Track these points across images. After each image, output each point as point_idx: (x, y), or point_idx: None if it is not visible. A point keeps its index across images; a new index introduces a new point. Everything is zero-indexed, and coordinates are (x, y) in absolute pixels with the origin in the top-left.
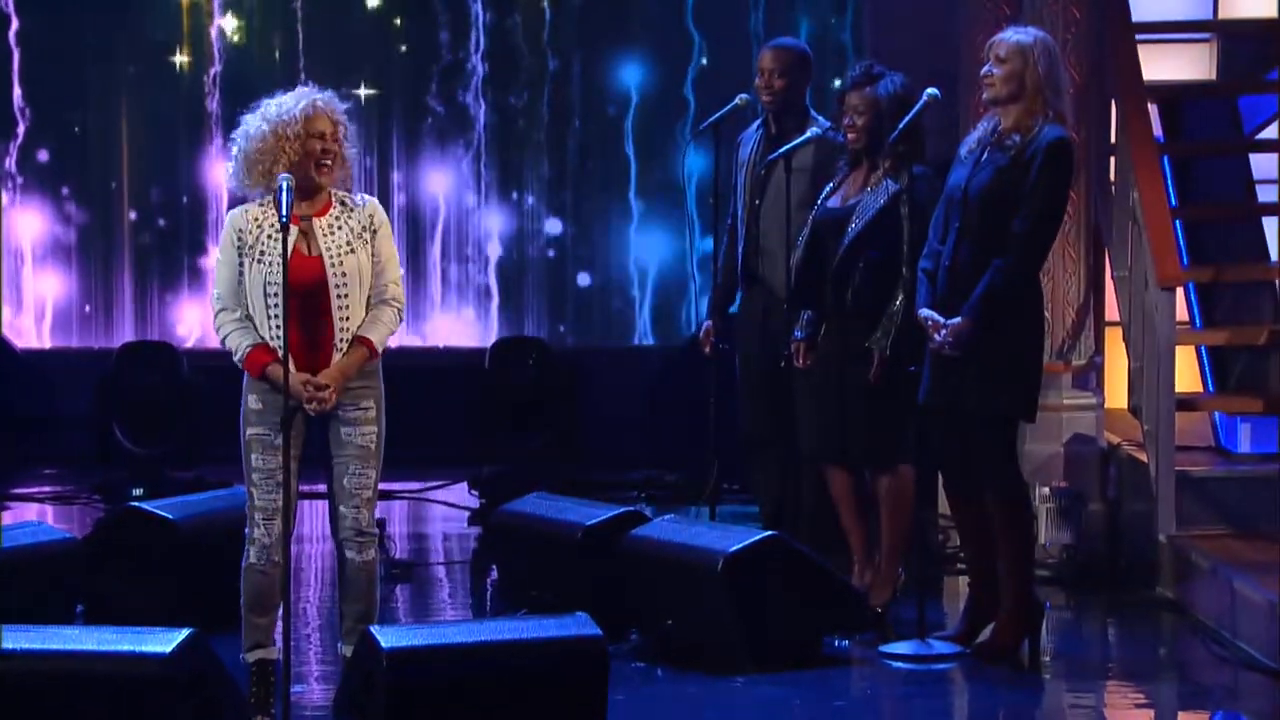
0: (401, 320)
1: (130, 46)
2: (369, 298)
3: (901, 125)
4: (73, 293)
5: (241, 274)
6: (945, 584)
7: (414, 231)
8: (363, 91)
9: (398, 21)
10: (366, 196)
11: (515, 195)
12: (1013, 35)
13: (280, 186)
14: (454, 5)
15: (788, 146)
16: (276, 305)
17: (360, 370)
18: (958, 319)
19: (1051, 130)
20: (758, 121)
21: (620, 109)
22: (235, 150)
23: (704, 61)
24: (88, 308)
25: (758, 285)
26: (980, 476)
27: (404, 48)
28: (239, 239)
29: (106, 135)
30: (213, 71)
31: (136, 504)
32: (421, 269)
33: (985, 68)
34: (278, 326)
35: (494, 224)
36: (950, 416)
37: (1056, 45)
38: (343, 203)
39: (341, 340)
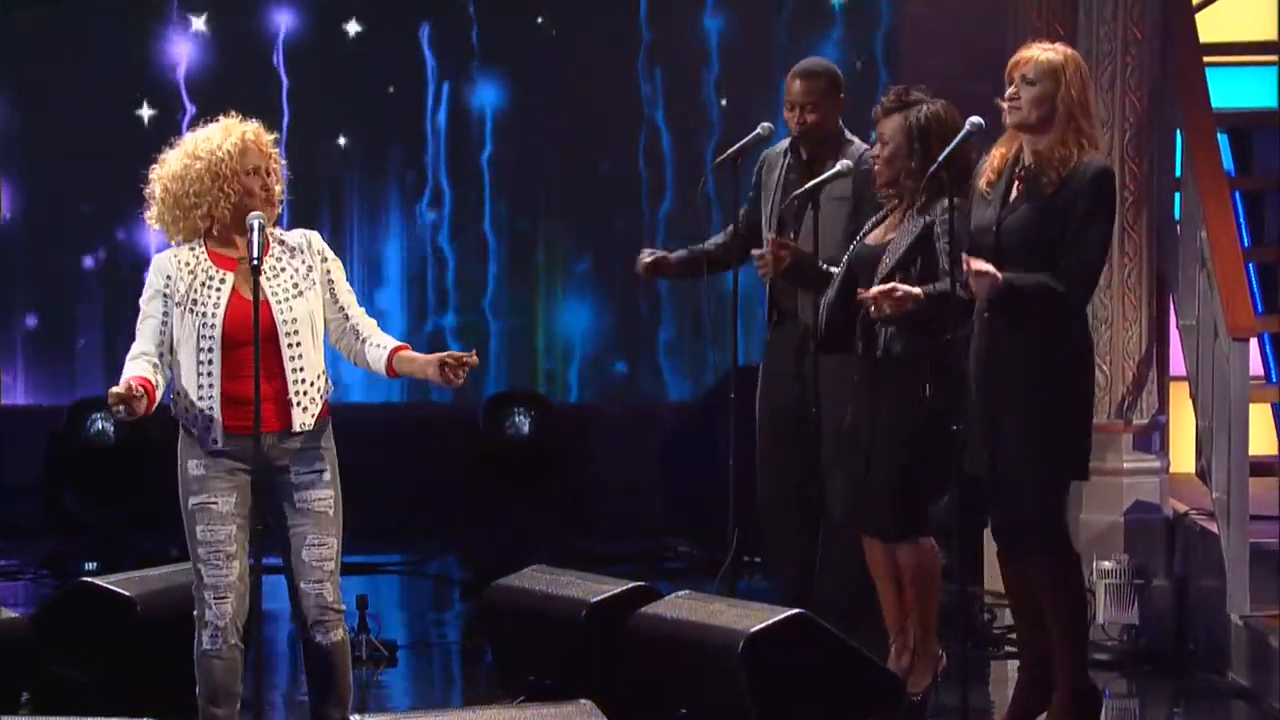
0: None
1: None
2: (324, 341)
3: (941, 158)
4: (19, 344)
5: (165, 325)
6: (992, 667)
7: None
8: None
9: None
10: (306, 232)
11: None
12: (1041, 53)
13: (252, 226)
14: None
15: (815, 181)
16: (211, 361)
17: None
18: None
19: (1094, 161)
20: (786, 141)
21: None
22: (159, 193)
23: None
24: (37, 360)
25: (790, 323)
26: (1027, 547)
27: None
28: (167, 286)
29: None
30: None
31: (89, 579)
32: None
33: (1010, 89)
34: (210, 385)
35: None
36: (999, 480)
37: (1085, 64)
38: (281, 242)
39: (297, 394)
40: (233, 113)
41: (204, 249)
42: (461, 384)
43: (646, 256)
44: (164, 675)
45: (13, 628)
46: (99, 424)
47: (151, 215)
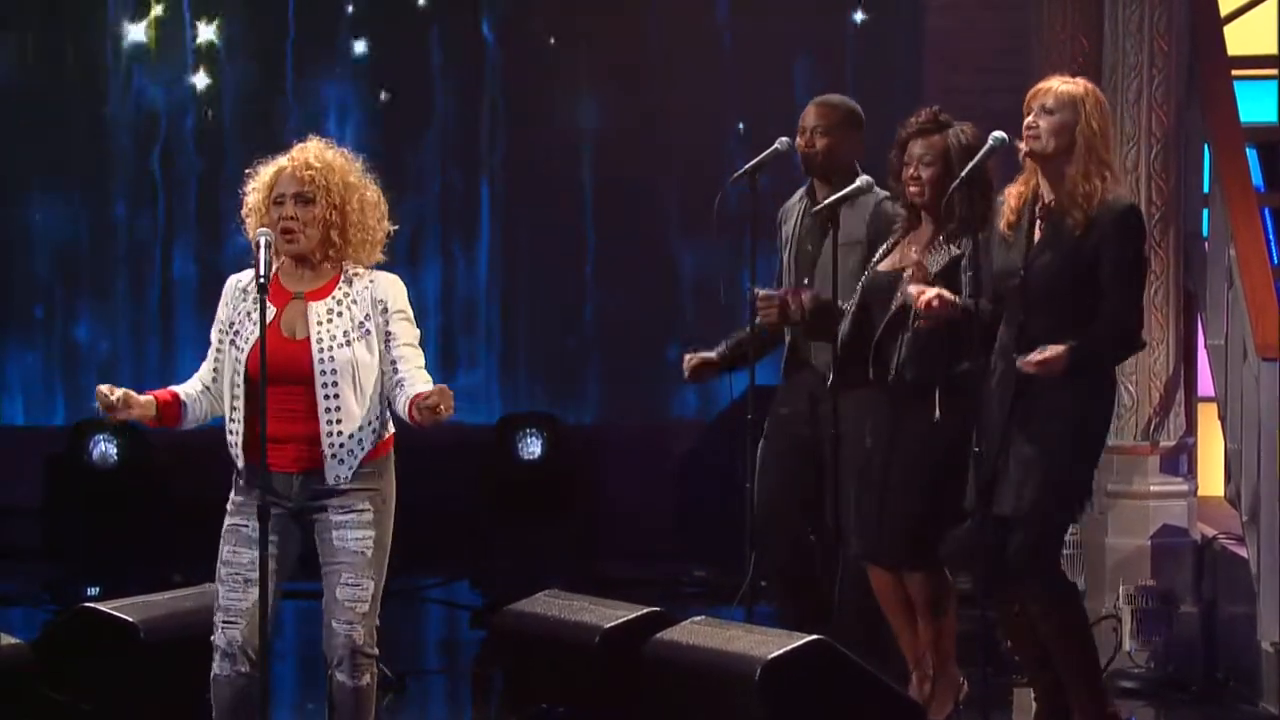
0: None
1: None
2: (379, 393)
3: (964, 174)
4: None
5: (218, 354)
6: (1015, 694)
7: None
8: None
9: None
10: (378, 276)
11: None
12: (1060, 84)
13: (258, 243)
14: None
15: (835, 197)
16: (237, 397)
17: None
18: (1057, 348)
19: (1120, 198)
20: (800, 191)
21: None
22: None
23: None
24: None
25: (806, 370)
26: (1022, 578)
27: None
28: (222, 314)
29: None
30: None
31: (91, 604)
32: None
33: (1029, 118)
34: (236, 421)
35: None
36: (998, 515)
37: (1114, 79)
38: (351, 282)
39: (331, 445)
40: (313, 137)
41: (271, 277)
42: (434, 421)
43: (688, 360)
44: (168, 703)
45: (13, 654)
46: (101, 446)
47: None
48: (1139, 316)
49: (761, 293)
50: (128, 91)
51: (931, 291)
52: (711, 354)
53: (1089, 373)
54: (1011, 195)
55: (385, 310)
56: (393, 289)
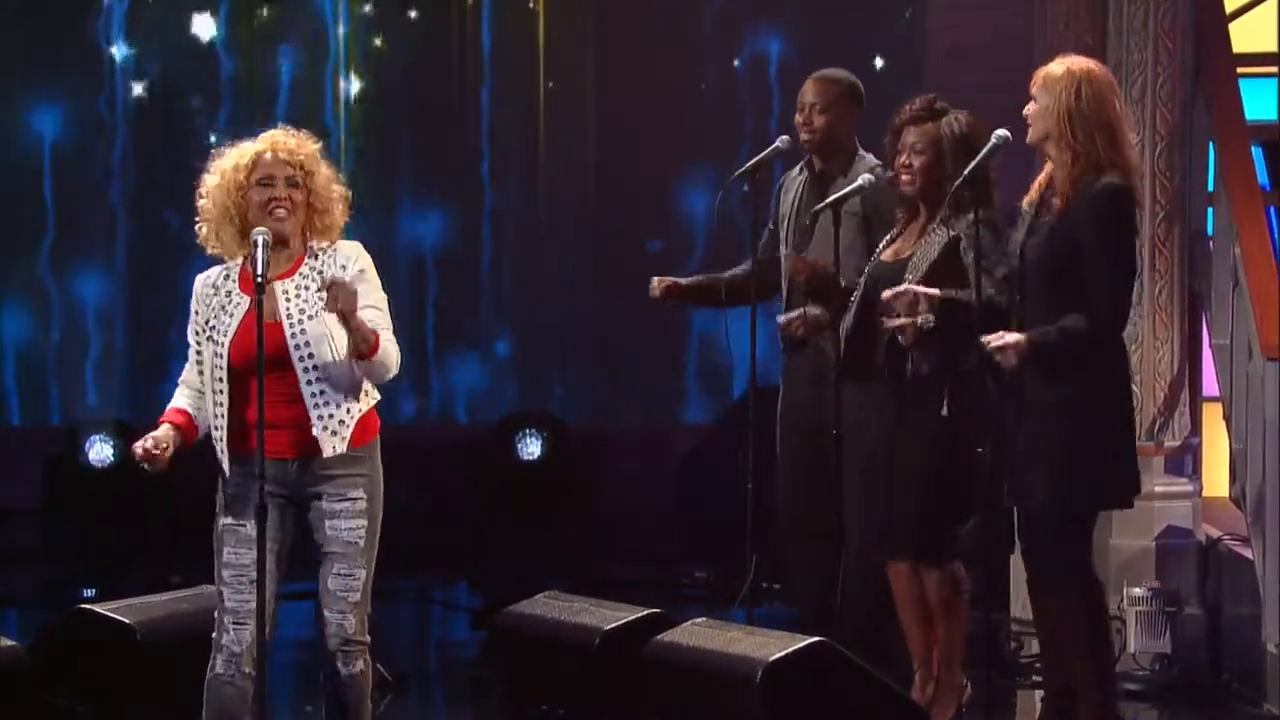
0: (398, 360)
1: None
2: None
3: (968, 170)
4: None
5: (199, 354)
6: (1018, 698)
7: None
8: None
9: None
10: (344, 242)
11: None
12: (1049, 68)
13: (255, 242)
14: None
15: (836, 196)
16: (221, 391)
17: (361, 335)
18: (1016, 336)
19: (1104, 181)
20: (800, 164)
21: None
22: (200, 212)
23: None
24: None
25: (804, 351)
26: (1052, 572)
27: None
28: (196, 314)
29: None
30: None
31: (88, 606)
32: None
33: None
34: (222, 415)
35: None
36: (1021, 509)
37: (1106, 80)
38: (316, 255)
39: (321, 417)
40: (283, 126)
41: (239, 268)
42: (343, 303)
43: (658, 282)
44: (165, 706)
45: (9, 657)
46: (98, 446)
47: (200, 235)
48: (1124, 300)
49: (782, 319)
50: (125, 77)
51: (892, 292)
52: (682, 280)
53: (1062, 362)
54: (1043, 173)
55: (345, 271)
56: (353, 252)
